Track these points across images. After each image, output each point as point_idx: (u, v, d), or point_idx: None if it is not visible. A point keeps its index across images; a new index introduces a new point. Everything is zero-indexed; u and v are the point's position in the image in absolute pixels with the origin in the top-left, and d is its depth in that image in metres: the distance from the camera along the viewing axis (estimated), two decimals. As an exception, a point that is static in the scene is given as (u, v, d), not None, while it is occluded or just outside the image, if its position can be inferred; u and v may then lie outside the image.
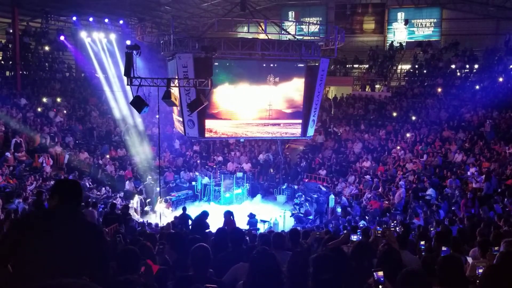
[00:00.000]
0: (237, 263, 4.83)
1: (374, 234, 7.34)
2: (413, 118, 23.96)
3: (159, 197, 17.74)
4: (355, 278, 4.21)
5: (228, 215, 11.40)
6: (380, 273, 3.55)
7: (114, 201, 16.27)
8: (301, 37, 19.23)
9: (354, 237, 6.00)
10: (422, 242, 6.51)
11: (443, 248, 5.75)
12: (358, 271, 4.41)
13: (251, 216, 15.80)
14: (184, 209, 14.49)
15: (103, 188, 18.68)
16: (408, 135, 22.53)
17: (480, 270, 4.84)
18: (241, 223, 14.51)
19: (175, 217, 14.38)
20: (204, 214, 11.49)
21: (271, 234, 6.83)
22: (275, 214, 18.36)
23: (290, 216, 18.60)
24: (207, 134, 17.24)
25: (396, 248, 5.58)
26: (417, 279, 3.62)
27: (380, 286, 3.51)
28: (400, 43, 32.18)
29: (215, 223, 11.39)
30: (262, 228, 15.93)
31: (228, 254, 5.56)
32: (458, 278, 3.79)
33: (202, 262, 4.39)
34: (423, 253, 6.30)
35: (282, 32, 18.15)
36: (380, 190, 18.82)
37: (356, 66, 31.61)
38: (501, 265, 3.76)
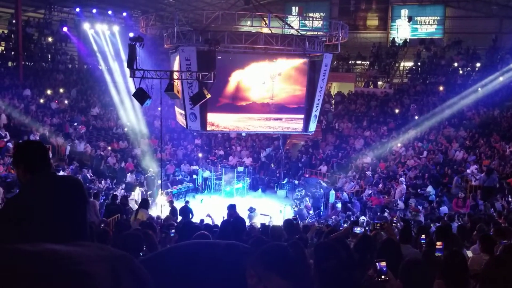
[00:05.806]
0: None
1: (373, 227, 7.38)
2: (416, 116, 23.93)
3: (160, 189, 17.78)
4: (357, 270, 4.24)
5: (231, 209, 11.51)
6: (383, 263, 3.56)
7: (116, 193, 16.31)
8: (304, 32, 19.15)
9: (357, 230, 6.02)
10: (423, 236, 6.55)
11: (438, 243, 5.80)
12: (360, 264, 4.45)
13: (251, 210, 15.86)
14: (187, 202, 14.54)
15: (103, 181, 18.70)
16: (410, 132, 22.52)
17: None
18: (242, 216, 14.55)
19: (178, 210, 14.39)
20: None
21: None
22: (275, 208, 18.39)
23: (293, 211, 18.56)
24: (209, 128, 17.23)
25: (395, 240, 5.63)
26: (419, 268, 3.67)
27: (383, 276, 3.52)
28: (405, 39, 32.09)
29: (217, 215, 11.45)
30: (263, 220, 15.97)
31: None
32: (461, 273, 3.85)
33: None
34: (423, 247, 6.35)
35: (286, 26, 18.08)
36: (380, 186, 18.84)
37: (358, 62, 31.55)
38: (504, 257, 3.81)
